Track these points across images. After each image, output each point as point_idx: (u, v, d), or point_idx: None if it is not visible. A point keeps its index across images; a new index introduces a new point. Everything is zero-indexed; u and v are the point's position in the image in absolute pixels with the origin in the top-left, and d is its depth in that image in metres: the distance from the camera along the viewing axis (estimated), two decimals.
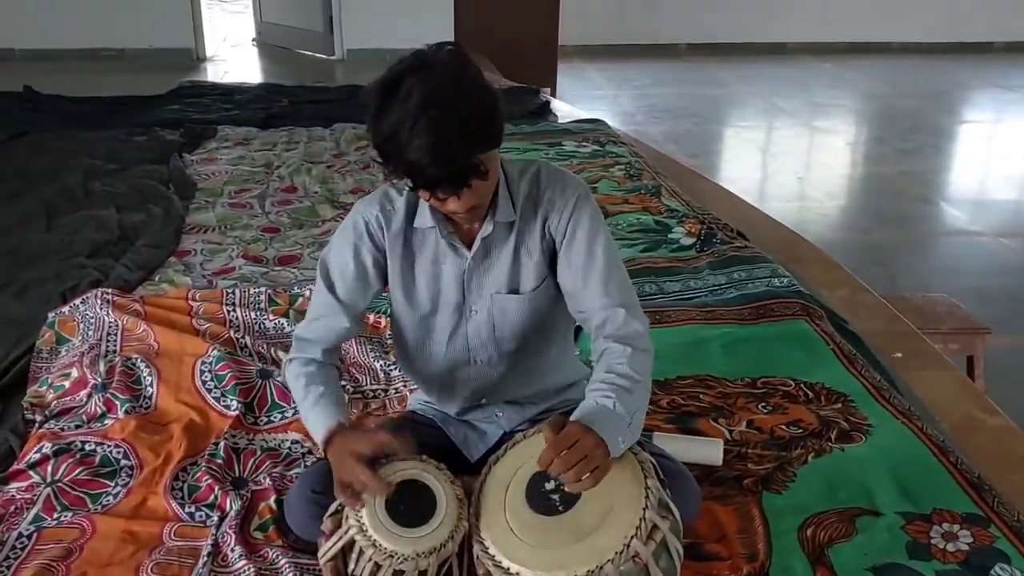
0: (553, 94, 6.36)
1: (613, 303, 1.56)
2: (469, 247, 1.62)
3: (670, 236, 3.27)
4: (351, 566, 1.45)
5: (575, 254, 1.59)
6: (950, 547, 1.72)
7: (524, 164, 1.64)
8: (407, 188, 1.52)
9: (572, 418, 1.44)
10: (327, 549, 1.48)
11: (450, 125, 1.36)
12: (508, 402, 1.78)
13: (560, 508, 1.41)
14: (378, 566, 1.41)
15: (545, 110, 5.23)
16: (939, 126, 7.29)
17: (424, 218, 1.60)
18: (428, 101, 1.35)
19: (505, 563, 1.40)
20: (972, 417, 2.28)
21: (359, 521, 1.44)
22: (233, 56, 7.26)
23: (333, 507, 1.53)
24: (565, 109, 5.44)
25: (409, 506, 1.46)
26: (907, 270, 4.61)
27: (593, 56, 9.06)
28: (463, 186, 1.42)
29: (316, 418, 1.59)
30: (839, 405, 2.19)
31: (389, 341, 2.38)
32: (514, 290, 1.64)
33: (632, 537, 1.36)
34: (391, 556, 1.41)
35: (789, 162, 6.49)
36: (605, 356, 1.54)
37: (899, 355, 2.55)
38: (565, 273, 1.61)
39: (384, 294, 1.75)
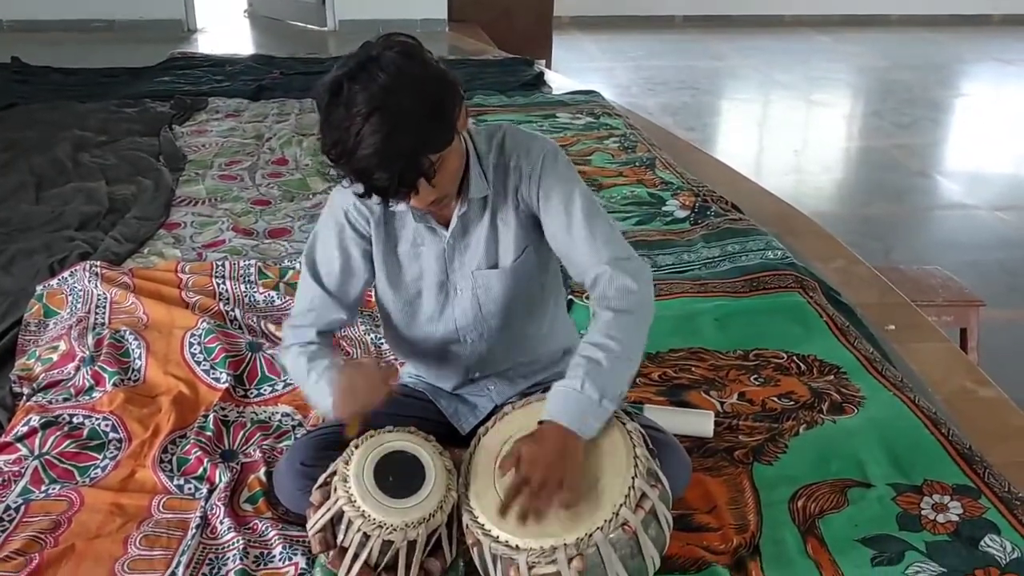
0: (548, 66, 6.31)
1: (601, 259, 1.53)
2: (447, 226, 1.59)
3: (664, 209, 3.25)
4: (340, 537, 1.45)
5: (554, 217, 1.56)
6: (940, 518, 1.72)
7: (490, 131, 1.60)
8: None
9: (540, 417, 1.44)
10: (316, 520, 1.47)
11: (395, 132, 1.32)
12: (500, 376, 1.77)
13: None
14: (367, 536, 1.41)
15: (539, 81, 5.19)
16: (936, 99, 7.25)
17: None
18: (372, 108, 1.31)
19: (494, 532, 1.40)
20: (965, 388, 2.27)
21: (347, 492, 1.44)
22: (224, 27, 7.18)
23: (322, 479, 1.53)
24: (559, 81, 5.40)
25: (398, 477, 1.45)
26: (903, 244, 4.59)
27: (589, 27, 8.98)
28: (410, 191, 1.38)
29: (325, 385, 1.57)
30: (831, 377, 2.19)
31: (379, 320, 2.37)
32: (494, 265, 1.62)
33: (621, 505, 1.36)
34: (380, 526, 1.41)
35: (786, 135, 6.46)
36: (590, 325, 1.52)
37: (892, 327, 2.54)
38: (551, 239, 1.59)
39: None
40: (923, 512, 1.74)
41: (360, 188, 1.39)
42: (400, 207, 1.57)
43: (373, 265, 1.65)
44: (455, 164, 1.47)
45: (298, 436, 1.95)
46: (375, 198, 1.41)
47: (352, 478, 1.44)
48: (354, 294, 1.66)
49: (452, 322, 1.68)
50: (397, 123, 1.32)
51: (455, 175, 1.48)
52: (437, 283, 1.64)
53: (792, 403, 2.08)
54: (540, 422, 1.45)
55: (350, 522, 1.42)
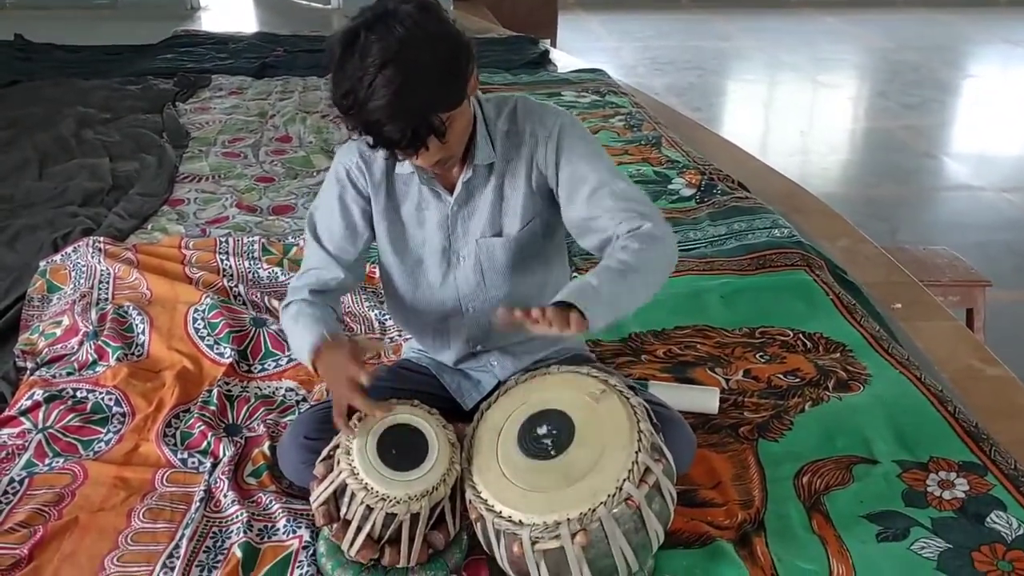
0: (553, 46, 6.26)
1: (628, 215, 1.49)
2: (452, 192, 1.58)
3: (670, 187, 3.23)
4: (343, 509, 1.45)
5: (578, 184, 1.53)
6: (946, 495, 1.71)
7: (500, 100, 1.59)
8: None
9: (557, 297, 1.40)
10: (319, 493, 1.47)
11: (408, 86, 1.31)
12: (503, 351, 1.76)
13: (552, 452, 1.40)
14: (370, 509, 1.41)
15: (544, 60, 5.15)
16: (943, 80, 7.20)
17: (405, 164, 1.57)
18: (386, 60, 1.30)
19: (498, 507, 1.39)
20: (971, 367, 2.26)
21: (351, 465, 1.43)
22: (228, 5, 7.14)
23: (325, 452, 1.52)
24: (564, 59, 5.36)
25: (401, 450, 1.45)
26: (909, 225, 4.57)
27: (595, 7, 8.93)
28: (421, 147, 1.37)
29: (304, 337, 1.56)
30: (837, 355, 2.17)
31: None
32: (498, 233, 1.61)
33: (625, 480, 1.35)
34: (383, 499, 1.40)
35: (792, 116, 6.42)
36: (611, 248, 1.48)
37: (898, 305, 2.53)
38: (573, 207, 1.55)
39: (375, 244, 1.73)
40: (929, 489, 1.73)
41: (370, 139, 1.38)
42: (406, 168, 1.56)
43: (372, 225, 1.64)
44: (462, 126, 1.45)
45: (302, 411, 1.95)
46: (382, 152, 1.40)
47: (355, 451, 1.44)
48: (354, 254, 1.65)
49: (455, 290, 1.67)
50: (411, 77, 1.31)
51: (462, 137, 1.47)
52: (440, 250, 1.63)
53: (798, 380, 2.07)
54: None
55: (353, 495, 1.42)
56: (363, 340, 1.53)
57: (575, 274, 2.45)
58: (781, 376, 2.09)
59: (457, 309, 1.69)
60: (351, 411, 1.49)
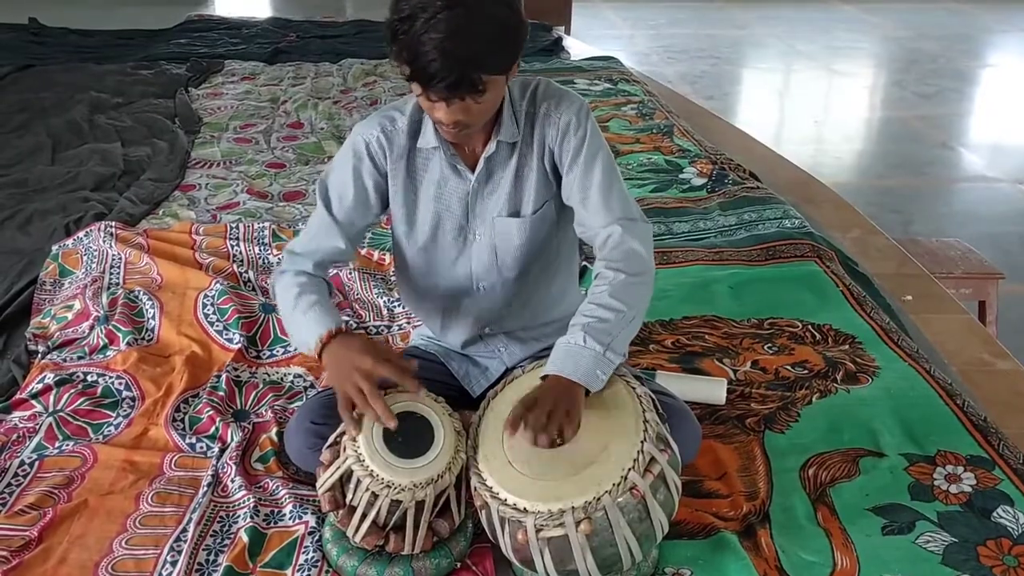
0: (567, 33, 6.24)
1: (613, 219, 1.53)
2: (472, 169, 1.59)
3: (681, 176, 3.21)
4: (349, 496, 1.45)
5: (575, 169, 1.55)
6: (953, 489, 1.71)
7: (524, 82, 1.59)
8: (409, 96, 1.48)
9: (543, 371, 1.45)
10: (325, 479, 1.48)
11: (467, 32, 1.32)
12: (510, 336, 1.76)
13: (557, 441, 1.40)
14: (375, 496, 1.41)
15: (557, 47, 5.13)
16: (961, 70, 7.13)
17: (428, 138, 1.57)
18: (457, 1, 1.32)
19: (503, 494, 1.39)
20: (982, 360, 2.25)
21: (356, 452, 1.44)
22: None
23: (332, 438, 1.52)
24: (578, 47, 5.34)
25: (407, 437, 1.45)
26: (923, 216, 4.54)
27: None
28: (456, 95, 1.38)
29: (309, 323, 1.55)
30: (846, 346, 2.17)
31: (393, 279, 2.36)
32: (515, 213, 1.62)
33: (630, 469, 1.35)
34: (388, 486, 1.41)
35: (806, 105, 6.37)
36: (594, 284, 1.52)
37: (909, 298, 2.52)
38: (567, 191, 1.58)
39: (384, 229, 1.73)
40: (935, 482, 1.72)
41: (407, 70, 1.37)
42: (429, 143, 1.57)
43: (383, 201, 1.64)
44: (494, 98, 1.45)
45: (309, 396, 1.95)
46: (415, 87, 1.40)
47: (361, 438, 1.44)
48: (360, 225, 1.65)
49: (468, 268, 1.67)
50: (473, 26, 1.33)
51: (489, 108, 1.47)
52: (457, 227, 1.63)
53: (806, 372, 2.07)
54: (542, 378, 1.45)
55: (359, 481, 1.42)
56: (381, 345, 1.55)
57: (585, 264, 2.45)
58: (789, 368, 2.09)
59: (469, 288, 1.69)
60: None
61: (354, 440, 1.45)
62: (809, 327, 2.25)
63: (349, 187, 1.62)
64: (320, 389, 1.96)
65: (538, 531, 1.35)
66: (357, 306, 2.34)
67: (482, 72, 1.36)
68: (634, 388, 1.46)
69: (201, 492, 1.70)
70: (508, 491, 1.39)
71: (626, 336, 1.48)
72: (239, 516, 1.64)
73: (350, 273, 2.42)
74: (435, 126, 1.54)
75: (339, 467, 1.45)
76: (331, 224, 1.63)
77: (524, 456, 1.41)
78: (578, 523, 1.34)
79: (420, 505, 1.42)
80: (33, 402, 1.92)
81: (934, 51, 7.51)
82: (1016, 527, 1.62)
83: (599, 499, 1.34)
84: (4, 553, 1.53)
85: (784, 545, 1.58)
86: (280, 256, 2.48)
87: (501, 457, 1.43)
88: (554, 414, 1.38)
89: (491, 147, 1.56)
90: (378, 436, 1.44)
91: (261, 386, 2.03)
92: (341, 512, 1.46)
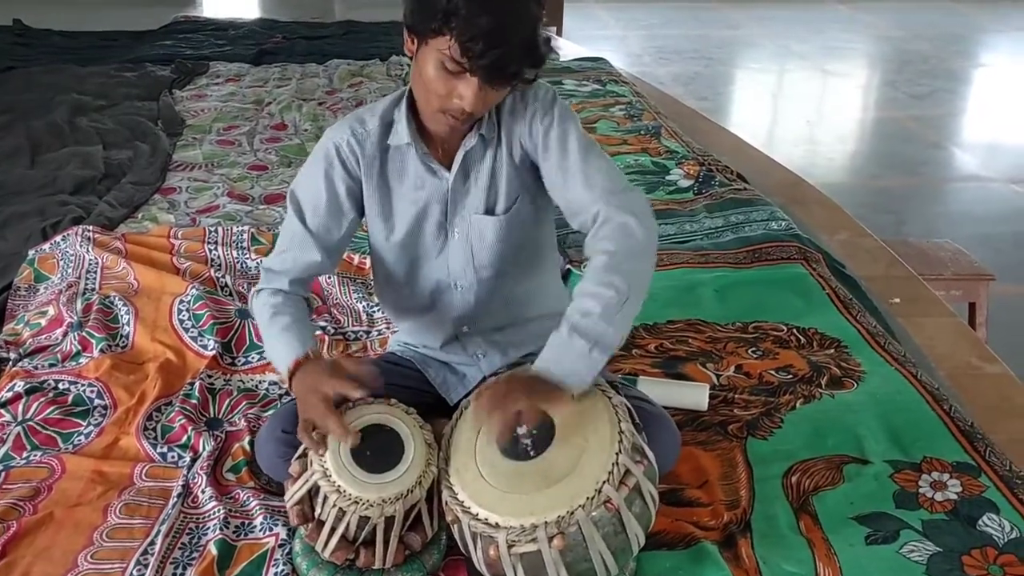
0: (559, 34, 6.20)
1: (596, 196, 1.47)
2: (447, 167, 1.56)
3: (668, 178, 3.18)
4: (317, 510, 1.42)
5: (550, 156, 1.52)
6: (938, 496, 1.67)
7: None
8: (382, 99, 1.48)
9: (534, 367, 1.40)
10: (293, 493, 1.44)
11: (522, 18, 1.36)
12: (488, 339, 1.72)
13: (531, 453, 1.37)
14: (343, 512, 1.38)
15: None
16: (954, 70, 7.10)
17: (400, 135, 1.54)
18: None
19: (474, 509, 1.35)
20: (970, 364, 2.22)
21: (323, 466, 1.40)
22: None
23: (300, 449, 1.48)
24: (568, 47, 5.30)
25: (375, 451, 1.41)
26: (916, 216, 4.51)
27: None
28: (495, 78, 1.38)
29: (281, 348, 1.53)
30: (832, 351, 2.13)
31: (372, 283, 2.33)
32: (490, 210, 1.58)
33: (604, 482, 1.31)
34: (356, 502, 1.37)
35: (799, 106, 6.34)
36: (587, 270, 1.45)
37: (897, 300, 2.48)
38: (549, 179, 1.54)
39: (363, 232, 1.69)
40: (921, 490, 1.69)
41: (452, 41, 1.35)
42: (402, 140, 1.53)
43: (358, 206, 1.61)
44: (503, 96, 1.47)
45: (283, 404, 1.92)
46: (444, 62, 1.38)
47: (328, 452, 1.40)
48: (336, 235, 1.61)
49: (445, 264, 1.63)
50: (523, 18, 1.36)
51: (494, 104, 1.47)
52: (436, 224, 1.60)
53: (790, 377, 2.03)
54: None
55: (326, 497, 1.38)
56: (342, 360, 1.51)
57: (568, 267, 2.42)
58: (773, 372, 2.05)
59: (447, 285, 1.66)
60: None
61: (320, 454, 1.41)
62: (794, 331, 2.21)
63: (322, 194, 1.58)
64: (293, 397, 1.92)
65: (510, 546, 1.32)
66: (336, 311, 2.31)
67: (522, 64, 1.38)
68: (610, 398, 1.42)
69: (171, 503, 1.66)
70: (480, 505, 1.35)
71: (623, 318, 1.40)
72: (208, 528, 1.60)
73: (329, 277, 2.38)
74: (408, 124, 1.51)
75: (306, 481, 1.41)
76: (304, 235, 1.59)
77: (497, 469, 1.37)
78: (551, 538, 1.30)
79: (390, 521, 1.38)
80: (2, 411, 1.88)
81: (927, 51, 7.48)
82: (1002, 535, 1.58)
83: (572, 513, 1.30)
84: None
85: (765, 555, 1.54)
86: (259, 261, 2.48)
87: (473, 470, 1.39)
88: (511, 395, 1.35)
89: (471, 140, 1.53)
90: (345, 451, 1.40)
91: (235, 393, 1.99)
92: (310, 526, 1.42)
